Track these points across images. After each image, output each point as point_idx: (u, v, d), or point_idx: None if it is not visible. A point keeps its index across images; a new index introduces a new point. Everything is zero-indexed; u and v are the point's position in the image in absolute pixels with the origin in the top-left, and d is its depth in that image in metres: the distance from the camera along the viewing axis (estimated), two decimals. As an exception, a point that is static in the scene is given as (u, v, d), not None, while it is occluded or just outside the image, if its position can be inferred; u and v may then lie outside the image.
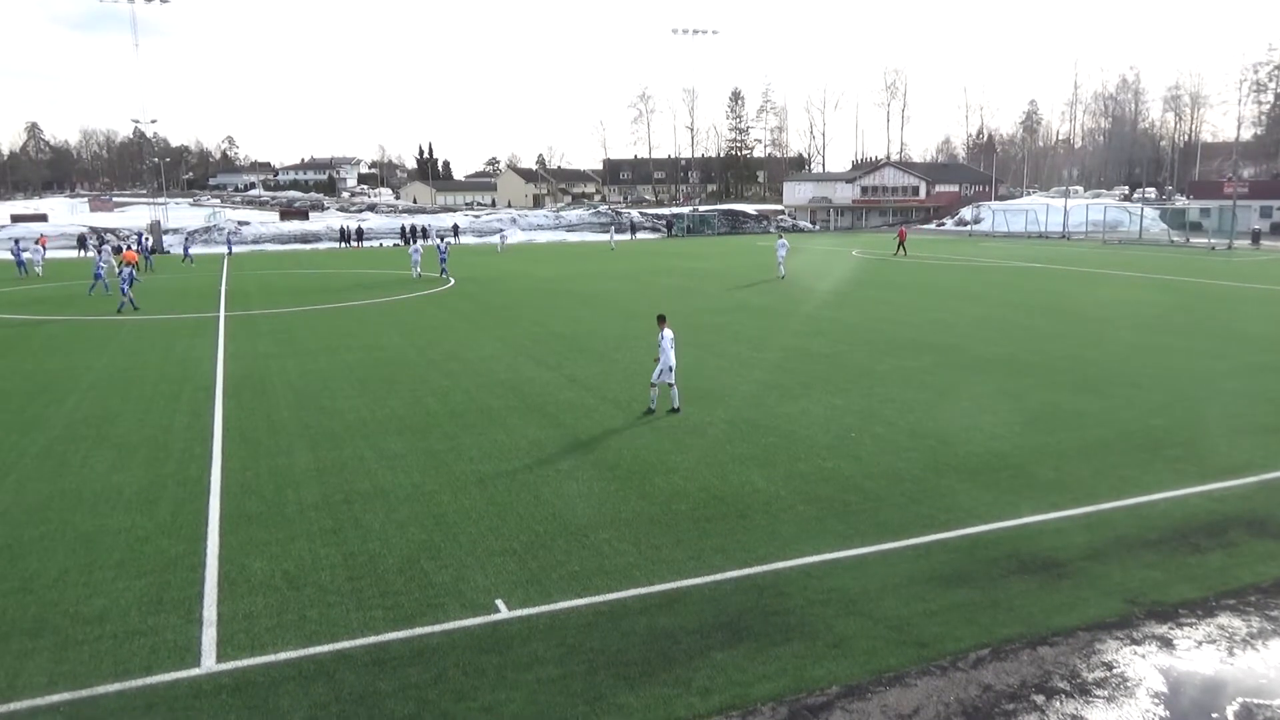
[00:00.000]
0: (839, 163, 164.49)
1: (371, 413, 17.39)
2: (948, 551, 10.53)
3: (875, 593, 9.43)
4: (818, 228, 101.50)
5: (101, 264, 46.52)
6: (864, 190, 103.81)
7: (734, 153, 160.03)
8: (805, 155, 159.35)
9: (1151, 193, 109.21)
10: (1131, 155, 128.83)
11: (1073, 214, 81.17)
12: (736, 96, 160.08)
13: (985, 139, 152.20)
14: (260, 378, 20.89)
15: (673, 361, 16.63)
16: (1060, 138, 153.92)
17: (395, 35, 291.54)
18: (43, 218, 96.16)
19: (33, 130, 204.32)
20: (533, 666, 8.10)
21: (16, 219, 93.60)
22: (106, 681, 7.97)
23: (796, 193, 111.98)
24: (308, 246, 79.35)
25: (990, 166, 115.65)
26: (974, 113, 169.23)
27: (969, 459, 13.89)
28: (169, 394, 19.42)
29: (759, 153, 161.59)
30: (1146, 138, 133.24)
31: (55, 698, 7.74)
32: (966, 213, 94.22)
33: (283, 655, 8.38)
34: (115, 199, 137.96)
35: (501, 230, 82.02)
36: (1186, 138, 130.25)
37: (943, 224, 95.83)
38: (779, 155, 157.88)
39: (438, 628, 8.86)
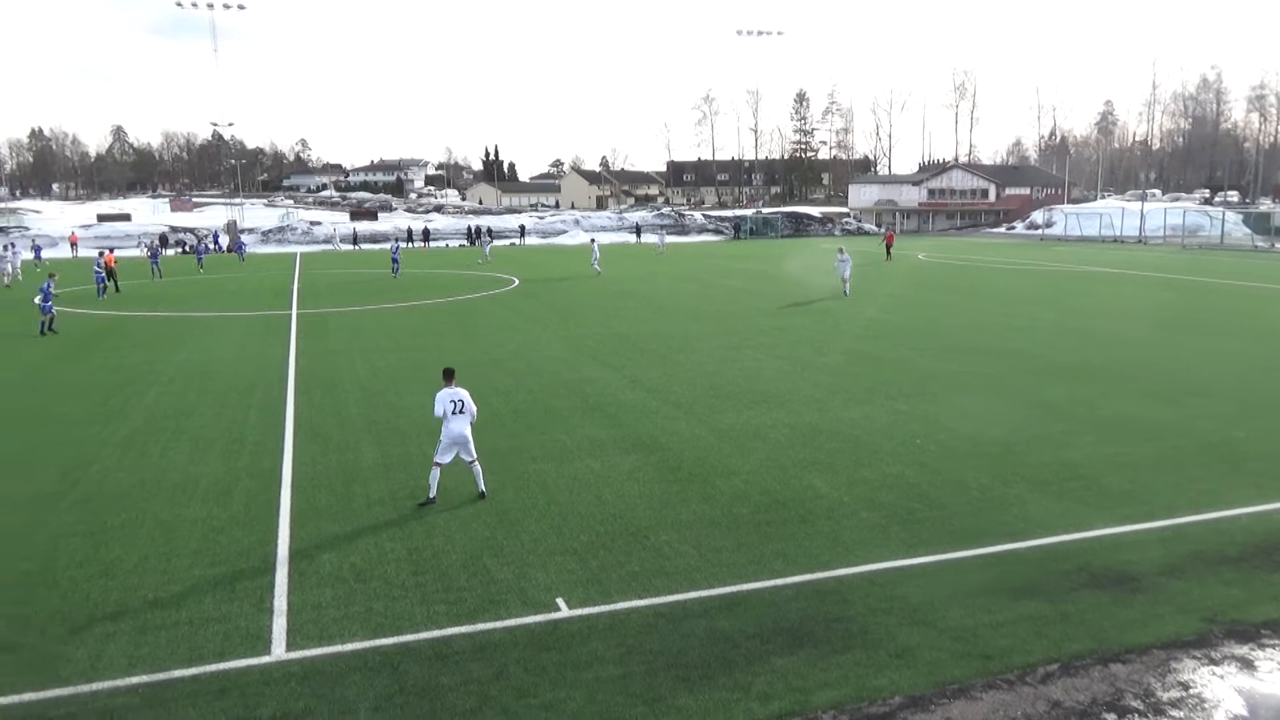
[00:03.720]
0: (905, 165, 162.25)
1: (436, 410, 17.63)
2: (1015, 562, 10.30)
3: (940, 602, 9.26)
4: (883, 230, 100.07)
5: (6, 264, 45.57)
6: (931, 193, 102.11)
7: (798, 155, 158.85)
8: (871, 157, 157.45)
9: (1234, 196, 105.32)
10: (1213, 157, 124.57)
11: (1150, 218, 78.72)
12: (801, 98, 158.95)
13: (1058, 140, 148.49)
14: (330, 374, 21.38)
15: (464, 432, 12.14)
16: (1137, 139, 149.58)
17: (463, 39, 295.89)
18: (126, 217, 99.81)
19: (118, 133, 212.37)
20: (592, 665, 8.15)
21: (103, 218, 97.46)
22: (182, 666, 8.23)
23: (862, 195, 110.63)
24: (376, 246, 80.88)
25: (1063, 169, 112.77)
26: (1046, 113, 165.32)
27: (1038, 468, 13.57)
28: (243, 388, 19.99)
29: (824, 155, 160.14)
30: (1229, 139, 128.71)
31: (134, 679, 8.02)
32: (1038, 216, 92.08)
33: (349, 646, 8.56)
34: (194, 199, 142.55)
35: (487, 239, 75.17)
36: (1272, 139, 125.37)
37: (1013, 228, 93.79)
38: (844, 157, 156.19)
39: (499, 624, 8.96)
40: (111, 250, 47.25)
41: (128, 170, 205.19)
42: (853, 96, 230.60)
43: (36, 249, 64.42)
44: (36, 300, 28.14)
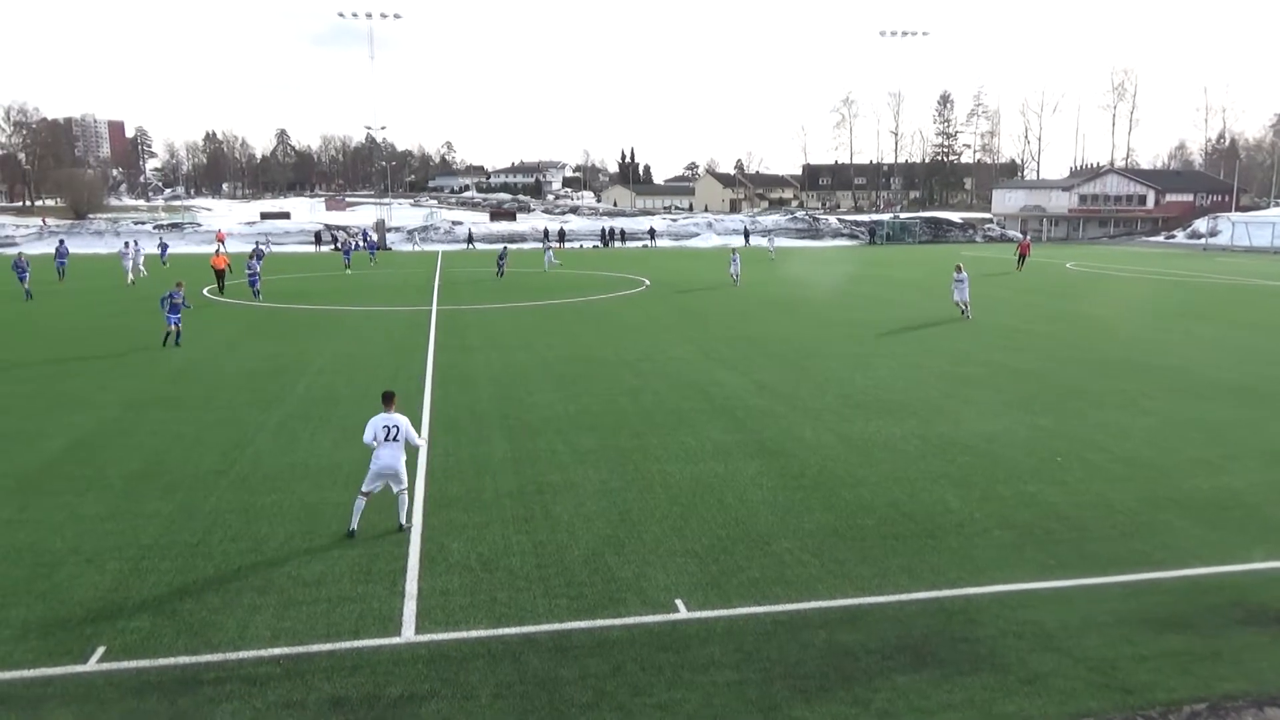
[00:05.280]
0: (1055, 169, 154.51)
1: (565, 408, 18.02)
2: (1162, 593, 9.68)
3: (1076, 629, 8.81)
4: (1028, 238, 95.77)
5: (128, 261, 44.96)
6: (1082, 199, 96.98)
7: (940, 158, 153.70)
8: (1018, 161, 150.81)
9: None
10: None
11: (1332, 228, 72.36)
12: (945, 100, 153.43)
13: (1227, 144, 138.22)
14: (465, 370, 22.12)
15: (394, 463, 11.19)
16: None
17: (603, 44, 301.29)
18: (286, 215, 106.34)
19: (281, 136, 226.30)
20: (709, 669, 8.14)
21: (265, 216, 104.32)
22: (320, 641, 8.70)
23: (1006, 200, 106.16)
24: (513, 246, 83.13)
25: (1231, 174, 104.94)
26: (1215, 115, 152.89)
27: (1193, 494, 12.70)
28: (385, 380, 20.82)
29: (966, 158, 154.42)
30: None
31: (276, 651, 8.53)
32: (1201, 224, 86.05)
33: (474, 633, 8.85)
34: (348, 199, 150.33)
35: (549, 246, 68.43)
36: None
37: (1172, 236, 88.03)
38: (989, 161, 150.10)
39: (618, 621, 9.07)
40: (219, 252, 47.55)
41: (289, 171, 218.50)
42: (1000, 98, 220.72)
43: (162, 247, 60.64)
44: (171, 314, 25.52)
